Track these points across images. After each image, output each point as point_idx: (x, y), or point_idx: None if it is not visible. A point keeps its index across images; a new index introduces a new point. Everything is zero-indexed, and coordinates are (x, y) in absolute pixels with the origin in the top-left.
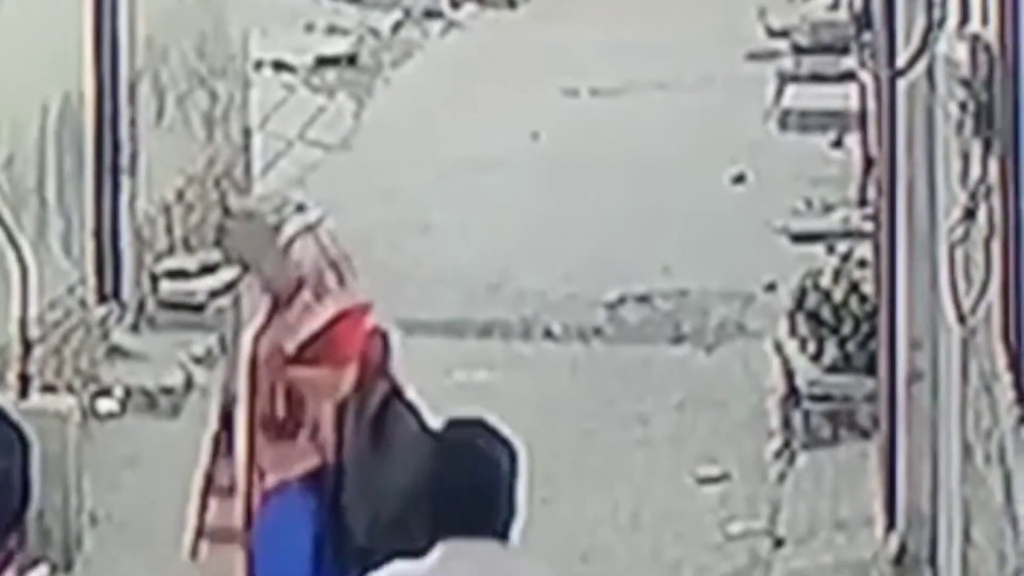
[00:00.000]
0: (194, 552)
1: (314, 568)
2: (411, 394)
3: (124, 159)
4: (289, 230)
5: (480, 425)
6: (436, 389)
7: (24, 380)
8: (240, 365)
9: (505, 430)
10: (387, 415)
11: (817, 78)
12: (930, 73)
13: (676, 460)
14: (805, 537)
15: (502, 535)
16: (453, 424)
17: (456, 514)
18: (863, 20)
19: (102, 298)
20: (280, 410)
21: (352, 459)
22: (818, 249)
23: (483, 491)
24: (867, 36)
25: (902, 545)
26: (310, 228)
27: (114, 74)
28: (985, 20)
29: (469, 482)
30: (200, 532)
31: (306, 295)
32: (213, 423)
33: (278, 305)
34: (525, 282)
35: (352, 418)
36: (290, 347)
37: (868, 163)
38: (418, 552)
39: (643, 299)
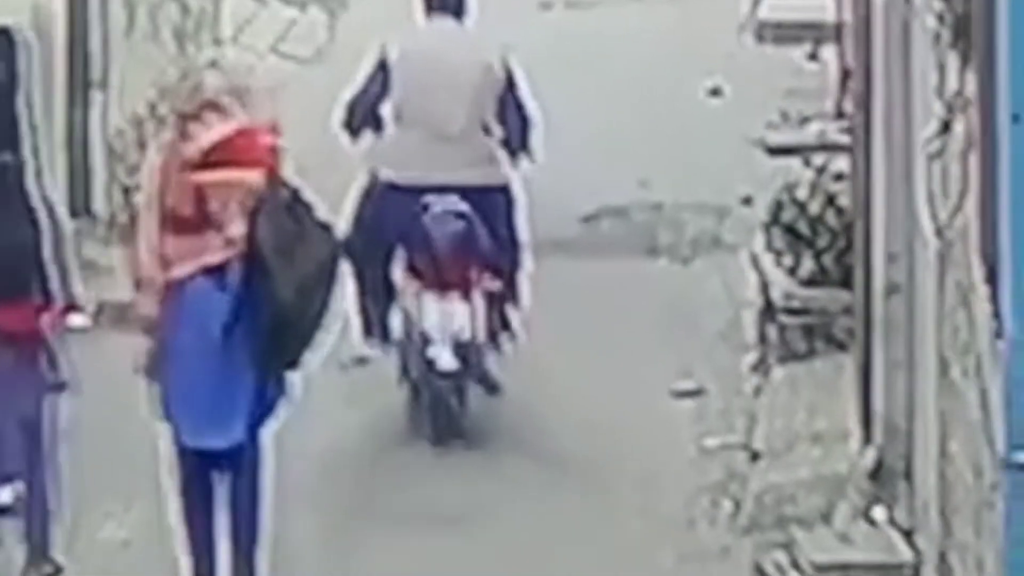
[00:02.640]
0: None
1: (224, 343)
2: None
3: (95, 72)
4: (197, 63)
5: None
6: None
7: None
8: (148, 172)
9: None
10: (291, 211)
11: None
12: None
13: (652, 374)
14: (781, 451)
15: None
16: None
17: None
18: None
19: (74, 212)
20: (187, 210)
21: (264, 248)
22: (794, 162)
23: None
24: None
25: (878, 459)
26: (215, 62)
27: None
28: None
29: None
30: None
31: (210, 116)
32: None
33: (185, 126)
34: None
35: (263, 214)
36: (193, 153)
37: (845, 75)
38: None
39: (619, 212)
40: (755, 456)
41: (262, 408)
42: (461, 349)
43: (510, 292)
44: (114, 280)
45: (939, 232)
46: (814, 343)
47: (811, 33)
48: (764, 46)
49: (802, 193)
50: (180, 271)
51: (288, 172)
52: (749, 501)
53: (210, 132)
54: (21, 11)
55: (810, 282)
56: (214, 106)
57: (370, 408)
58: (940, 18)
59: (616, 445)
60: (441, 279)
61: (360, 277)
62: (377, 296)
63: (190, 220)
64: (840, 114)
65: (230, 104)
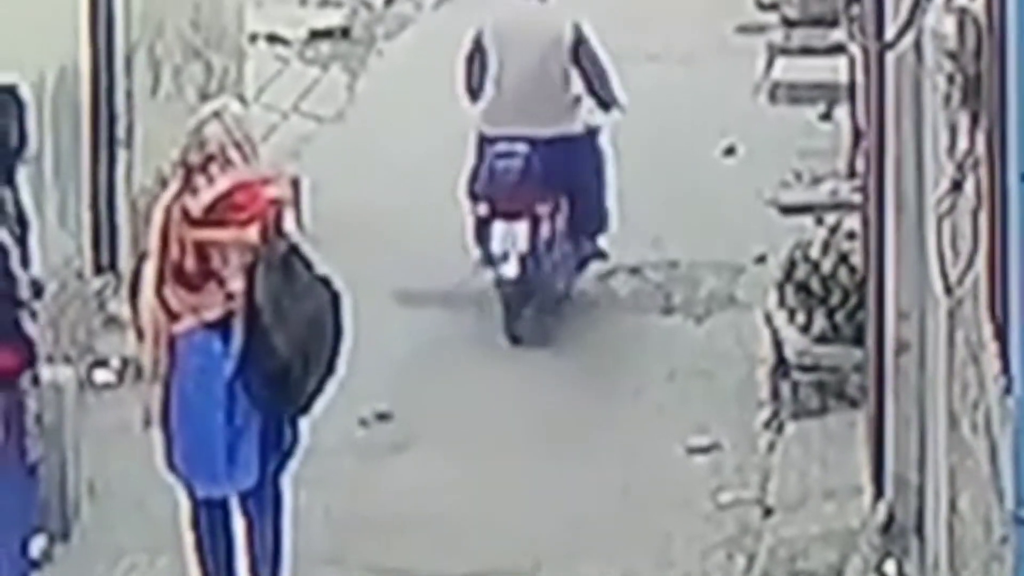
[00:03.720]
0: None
1: (227, 396)
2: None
3: (120, 131)
4: (200, 114)
5: None
6: (433, 360)
7: None
8: (152, 226)
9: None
10: (288, 266)
11: (806, 51)
12: (918, 46)
13: (667, 430)
14: (794, 506)
15: None
16: None
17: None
18: None
19: (98, 269)
20: (190, 264)
21: (260, 302)
22: (807, 221)
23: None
24: (856, 9)
25: (890, 514)
26: (218, 113)
27: (110, 46)
28: None
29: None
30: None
31: (213, 169)
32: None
33: (189, 178)
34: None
35: (260, 270)
36: (196, 210)
37: (857, 135)
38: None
39: (634, 270)
40: (768, 511)
41: (275, 452)
42: (523, 262)
43: (596, 215)
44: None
45: (949, 290)
46: (827, 399)
47: (824, 94)
48: (778, 106)
49: (815, 252)
50: (183, 324)
51: (288, 225)
52: (763, 555)
53: (213, 186)
54: (48, 70)
55: (823, 339)
56: (217, 158)
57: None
58: (951, 79)
59: (631, 500)
60: (504, 207)
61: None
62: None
63: (193, 274)
64: (852, 173)
65: (233, 155)
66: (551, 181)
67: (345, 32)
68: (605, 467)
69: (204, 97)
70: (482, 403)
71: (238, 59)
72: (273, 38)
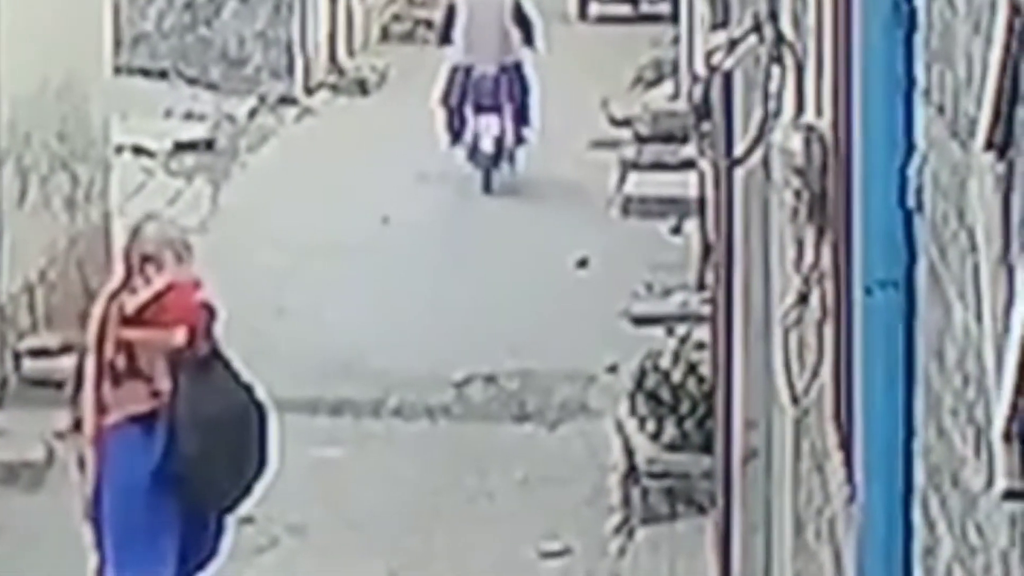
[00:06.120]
0: None
1: (152, 489)
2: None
3: None
4: (139, 215)
5: None
6: (291, 464)
7: None
8: (91, 320)
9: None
10: (211, 370)
11: (658, 166)
12: (766, 162)
13: (519, 534)
14: None
15: None
16: None
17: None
18: (702, 110)
19: None
20: (119, 361)
21: (184, 401)
22: (658, 331)
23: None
24: (706, 126)
25: None
26: (154, 216)
27: None
28: (819, 112)
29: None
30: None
31: (149, 269)
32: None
33: (130, 275)
34: (375, 362)
35: (184, 370)
36: (129, 309)
37: (706, 249)
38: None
39: (489, 379)
40: None
41: (195, 551)
42: (497, 142)
43: (522, 115)
44: (5, 441)
45: (795, 400)
46: (676, 506)
47: (674, 208)
48: (630, 219)
49: (665, 361)
50: (112, 418)
51: (215, 328)
52: None
53: (149, 286)
54: None
55: (672, 447)
56: (153, 259)
57: None
58: (798, 194)
59: None
60: (484, 106)
61: (452, 114)
62: (462, 121)
63: (123, 371)
64: (702, 286)
65: (167, 257)
66: (506, 89)
67: (209, 144)
68: (458, 569)
69: (71, 207)
70: (340, 503)
71: (104, 170)
72: (138, 150)
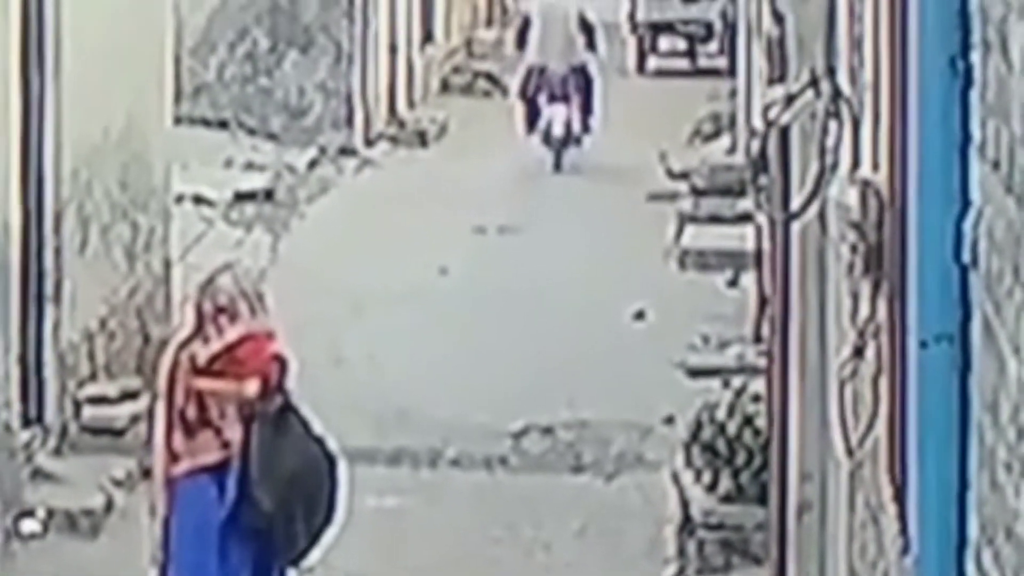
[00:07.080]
0: None
1: (222, 539)
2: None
3: (49, 287)
4: (214, 266)
5: None
6: (348, 514)
7: None
8: (161, 369)
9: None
10: (283, 422)
11: (715, 219)
12: (822, 216)
13: None
14: None
15: None
16: None
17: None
18: (759, 164)
19: (26, 422)
20: (190, 410)
21: (258, 453)
22: (714, 383)
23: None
24: (763, 180)
25: None
26: (230, 266)
27: (40, 205)
28: (876, 166)
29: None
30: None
31: (223, 319)
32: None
33: (201, 325)
34: (433, 412)
35: (257, 422)
36: (202, 360)
37: (763, 301)
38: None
39: (546, 430)
40: None
41: None
42: (566, 127)
43: (587, 107)
44: (64, 488)
45: (851, 452)
46: (731, 558)
47: (731, 261)
48: (687, 272)
49: (721, 413)
50: (182, 467)
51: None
52: None
53: (222, 336)
54: None
55: (728, 499)
56: (227, 309)
57: None
58: (853, 248)
59: None
60: (555, 96)
61: (528, 105)
62: (536, 111)
63: (194, 420)
64: (758, 338)
65: (242, 308)
66: (574, 84)
67: (269, 194)
68: None
69: (131, 255)
70: (398, 553)
71: (164, 219)
72: (199, 199)
